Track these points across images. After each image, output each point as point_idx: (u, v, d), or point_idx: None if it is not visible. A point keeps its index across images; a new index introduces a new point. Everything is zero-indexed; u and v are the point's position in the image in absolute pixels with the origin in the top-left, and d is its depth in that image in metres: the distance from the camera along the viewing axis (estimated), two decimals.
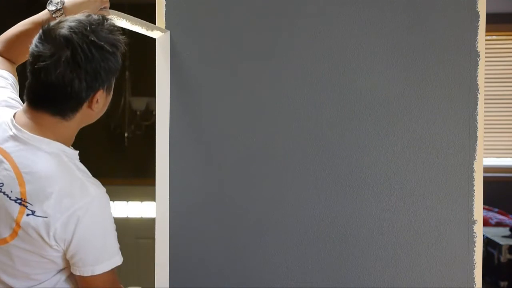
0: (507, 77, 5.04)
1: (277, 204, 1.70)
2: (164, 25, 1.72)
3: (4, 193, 1.30)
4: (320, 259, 1.69)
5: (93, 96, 1.33)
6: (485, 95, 1.65)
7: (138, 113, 4.58)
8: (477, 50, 1.64)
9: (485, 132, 1.67)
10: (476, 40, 1.63)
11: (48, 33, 1.29)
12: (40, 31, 1.31)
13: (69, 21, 1.30)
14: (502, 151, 5.09)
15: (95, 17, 1.33)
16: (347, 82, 1.67)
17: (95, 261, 1.35)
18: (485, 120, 1.65)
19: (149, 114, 4.53)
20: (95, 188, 1.35)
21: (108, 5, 1.53)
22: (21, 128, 1.32)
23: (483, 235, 4.12)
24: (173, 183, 1.73)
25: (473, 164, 1.65)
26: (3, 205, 1.31)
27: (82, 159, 1.40)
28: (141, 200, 4.24)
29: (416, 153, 1.66)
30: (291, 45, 1.69)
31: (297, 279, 1.70)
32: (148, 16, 1.78)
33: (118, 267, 1.40)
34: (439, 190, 1.65)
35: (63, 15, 1.44)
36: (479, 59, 1.63)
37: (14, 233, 1.31)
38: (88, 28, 1.29)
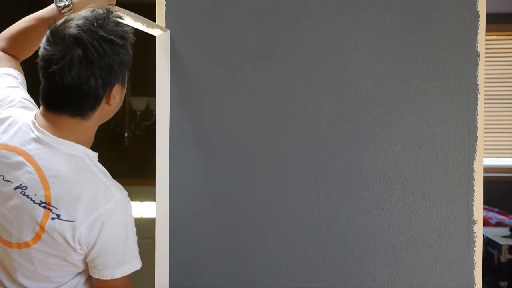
0: (507, 77, 5.05)
1: (277, 204, 1.70)
2: (164, 24, 1.72)
3: (27, 196, 1.28)
4: (320, 259, 1.69)
5: (110, 92, 1.32)
6: (485, 95, 1.65)
7: (138, 113, 4.58)
8: (477, 50, 1.63)
9: (485, 132, 1.67)
10: (476, 40, 1.63)
11: (57, 35, 1.27)
12: (48, 33, 1.28)
13: (75, 20, 1.28)
14: (502, 151, 5.09)
15: (100, 11, 1.31)
16: (347, 82, 1.67)
17: (116, 264, 1.34)
18: (485, 120, 1.65)
19: (149, 114, 4.53)
20: (118, 192, 1.34)
21: (114, 1, 1.53)
22: (44, 130, 1.30)
23: (483, 235, 4.12)
24: (173, 183, 1.73)
25: (473, 164, 1.65)
26: (26, 209, 1.28)
27: None
28: (141, 200, 4.23)
29: (416, 153, 1.66)
30: (291, 45, 1.69)
31: (297, 279, 1.70)
32: (148, 16, 1.77)
33: None
34: (439, 190, 1.65)
35: (72, 11, 1.42)
36: (479, 59, 1.63)
37: (37, 237, 1.29)
38: (95, 24, 1.27)
